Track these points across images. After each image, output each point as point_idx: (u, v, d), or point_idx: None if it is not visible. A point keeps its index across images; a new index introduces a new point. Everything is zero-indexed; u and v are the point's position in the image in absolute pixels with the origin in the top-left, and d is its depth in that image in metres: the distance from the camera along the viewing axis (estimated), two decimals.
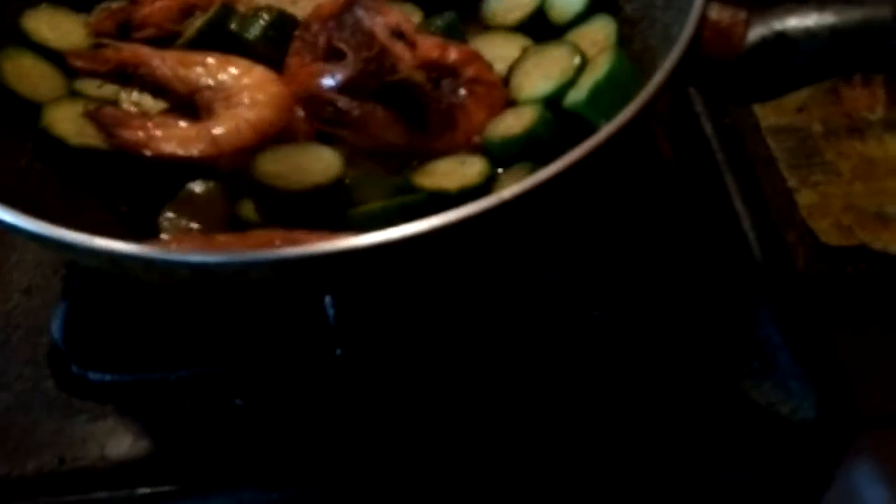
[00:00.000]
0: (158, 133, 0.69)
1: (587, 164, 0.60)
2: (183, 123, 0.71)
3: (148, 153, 0.69)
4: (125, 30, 0.83)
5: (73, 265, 0.84)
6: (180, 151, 0.68)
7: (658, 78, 0.62)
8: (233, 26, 0.80)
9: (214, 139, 0.69)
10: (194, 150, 0.68)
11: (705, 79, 0.67)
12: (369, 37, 0.71)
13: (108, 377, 0.79)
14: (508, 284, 0.82)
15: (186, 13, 0.84)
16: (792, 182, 0.92)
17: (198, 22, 0.81)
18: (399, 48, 0.70)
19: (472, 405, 0.77)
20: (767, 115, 0.96)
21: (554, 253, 0.82)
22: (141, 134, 0.70)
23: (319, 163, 0.69)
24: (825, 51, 0.65)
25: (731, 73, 0.65)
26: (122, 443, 0.76)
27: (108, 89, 0.79)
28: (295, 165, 0.68)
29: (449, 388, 0.78)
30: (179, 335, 0.80)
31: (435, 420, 0.77)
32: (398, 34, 0.71)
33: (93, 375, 0.79)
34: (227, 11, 0.81)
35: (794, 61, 0.65)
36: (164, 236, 0.71)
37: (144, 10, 0.83)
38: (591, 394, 0.77)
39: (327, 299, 0.76)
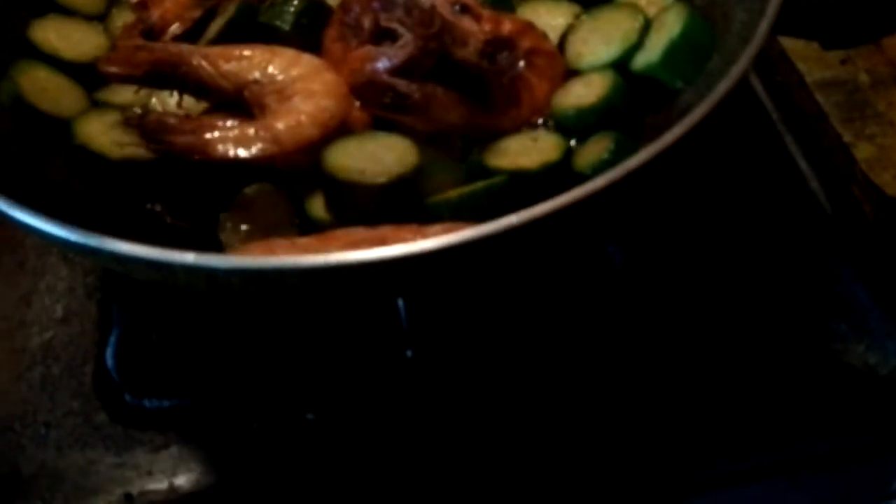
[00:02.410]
0: (213, 136, 0.64)
1: (701, 129, 0.55)
2: (232, 123, 0.66)
3: (204, 158, 0.64)
4: (150, 37, 0.77)
5: (109, 289, 0.79)
6: (240, 153, 0.63)
7: (759, 36, 0.58)
8: (262, 17, 0.75)
9: (275, 136, 0.64)
10: (255, 150, 0.63)
11: (805, 25, 0.62)
12: (428, 13, 0.66)
13: (166, 403, 0.74)
14: (573, 269, 0.78)
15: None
16: (847, 137, 0.88)
17: (220, 19, 0.76)
18: (466, 23, 0.66)
19: (544, 397, 0.73)
20: (811, 69, 0.93)
21: (618, 229, 0.78)
22: (192, 138, 0.64)
23: (393, 152, 0.64)
24: None
25: (831, 14, 0.61)
26: (191, 471, 0.71)
27: (128, 95, 0.73)
28: (369, 157, 0.63)
29: (520, 382, 0.74)
30: (238, 351, 0.75)
31: (509, 416, 0.73)
32: (463, 7, 0.66)
33: (149, 403, 0.74)
34: (248, 7, 0.76)
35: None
36: (230, 246, 0.66)
37: (156, 13, 0.78)
38: (676, 366, 0.73)
39: (400, 301, 0.71)
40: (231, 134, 0.64)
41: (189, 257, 0.49)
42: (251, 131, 0.64)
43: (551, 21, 0.77)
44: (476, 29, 0.66)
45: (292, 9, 0.75)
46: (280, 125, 0.64)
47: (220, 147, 0.64)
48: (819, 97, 0.91)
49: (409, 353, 0.74)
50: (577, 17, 0.76)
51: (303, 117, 0.65)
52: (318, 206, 0.65)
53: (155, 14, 0.78)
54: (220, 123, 0.66)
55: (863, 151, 0.88)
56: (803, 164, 0.83)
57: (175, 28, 0.77)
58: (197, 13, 0.78)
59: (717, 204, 0.81)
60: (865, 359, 0.73)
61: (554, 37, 0.76)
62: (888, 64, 0.94)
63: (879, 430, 0.75)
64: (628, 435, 0.73)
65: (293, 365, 0.74)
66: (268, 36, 0.74)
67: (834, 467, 0.78)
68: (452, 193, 0.63)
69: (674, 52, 0.68)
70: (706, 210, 0.81)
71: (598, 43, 0.73)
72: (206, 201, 0.70)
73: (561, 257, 0.78)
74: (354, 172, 0.62)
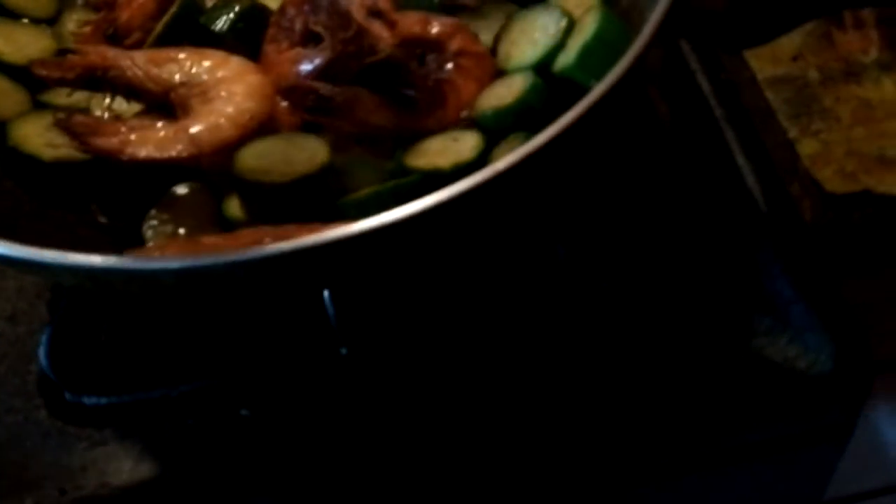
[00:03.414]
0: (133, 137, 0.66)
1: (580, 127, 0.56)
2: (160, 124, 0.68)
3: (124, 159, 0.65)
4: (113, 41, 0.79)
5: (58, 288, 0.81)
6: (157, 154, 0.65)
7: (646, 32, 0.60)
8: (202, 19, 0.76)
9: (193, 138, 0.65)
10: (172, 152, 0.65)
11: (696, 29, 0.63)
12: (345, 17, 0.68)
13: (104, 400, 0.75)
14: (514, 265, 0.79)
15: (164, 10, 0.80)
16: (792, 132, 0.89)
17: (165, 17, 0.78)
18: (377, 27, 0.67)
19: (484, 390, 0.74)
20: (763, 66, 0.93)
21: (558, 227, 0.79)
22: (115, 140, 0.66)
23: (304, 152, 0.65)
24: None
25: (721, 21, 0.62)
26: (123, 467, 0.73)
27: (78, 97, 0.75)
28: (279, 157, 0.64)
29: (458, 376, 0.74)
30: (175, 349, 0.76)
31: (446, 410, 0.74)
32: (375, 12, 0.67)
33: (88, 400, 0.75)
34: (192, 4, 0.77)
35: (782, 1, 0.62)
36: (149, 244, 0.67)
37: (124, 15, 0.79)
38: (606, 365, 0.74)
39: (326, 297, 0.72)
40: (151, 135, 0.66)
41: (71, 257, 0.50)
42: (171, 133, 0.65)
43: (489, 22, 0.78)
44: (387, 34, 0.67)
45: (231, 13, 0.76)
46: (199, 127, 0.66)
47: (140, 149, 0.65)
48: (769, 94, 0.92)
49: (343, 351, 0.75)
50: (509, 17, 0.77)
51: (222, 119, 0.66)
52: (234, 206, 0.67)
53: (124, 16, 0.79)
54: (145, 125, 0.68)
55: (807, 147, 0.88)
56: (741, 160, 0.83)
57: (136, 36, 0.78)
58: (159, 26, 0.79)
59: (656, 199, 0.81)
60: (786, 353, 0.74)
61: (491, 37, 0.77)
62: (839, 60, 0.94)
63: (801, 422, 0.76)
64: (563, 430, 0.74)
65: (229, 361, 0.76)
66: (212, 38, 0.76)
67: (762, 459, 0.79)
68: (361, 193, 0.64)
69: (587, 53, 0.69)
70: (645, 205, 0.81)
71: (526, 44, 0.74)
72: (138, 200, 0.72)
73: (501, 251, 0.78)
74: (260, 172, 0.64)
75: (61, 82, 0.71)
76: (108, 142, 0.65)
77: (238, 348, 0.76)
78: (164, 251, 0.62)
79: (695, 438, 0.76)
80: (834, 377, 0.74)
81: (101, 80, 0.71)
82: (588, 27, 0.69)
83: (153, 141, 0.65)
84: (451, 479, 0.74)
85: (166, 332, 0.77)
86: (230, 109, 0.66)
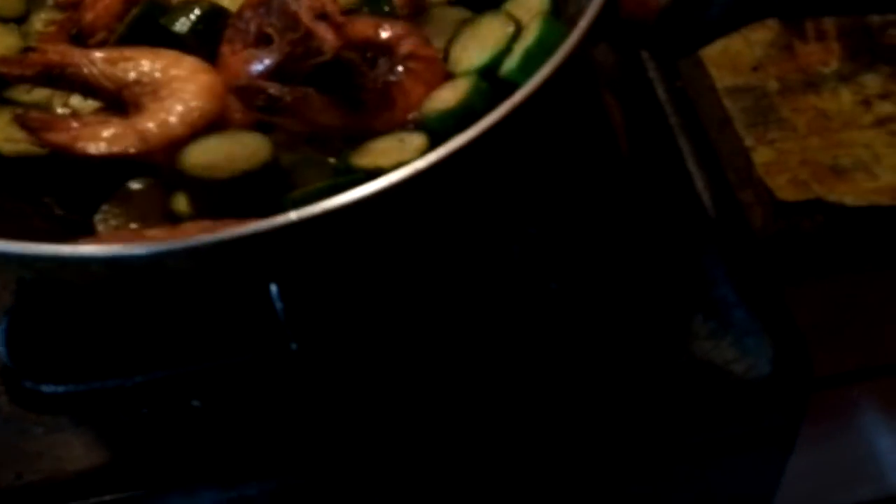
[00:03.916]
0: (85, 132, 0.68)
1: (506, 128, 0.58)
2: (112, 121, 0.70)
3: (76, 153, 0.67)
4: (79, 40, 0.81)
5: (21, 278, 0.83)
6: (106, 149, 0.67)
7: (571, 40, 0.61)
8: (162, 20, 0.79)
9: (142, 134, 0.67)
10: (120, 147, 0.67)
11: (626, 38, 0.65)
12: (294, 19, 0.70)
13: (61, 388, 0.77)
14: (467, 263, 0.80)
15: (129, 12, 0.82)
16: (748, 141, 0.90)
17: (126, 18, 0.80)
18: (322, 29, 0.69)
19: (433, 386, 0.76)
20: (723, 75, 0.95)
21: (513, 226, 0.81)
22: (67, 135, 0.68)
23: (246, 149, 0.67)
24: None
25: (651, 31, 0.64)
26: (77, 453, 0.75)
27: (40, 94, 0.77)
28: (222, 154, 0.66)
29: (407, 373, 0.76)
30: (133, 340, 0.79)
31: (394, 406, 0.75)
32: (322, 15, 0.69)
33: (46, 388, 0.78)
34: (156, 6, 0.79)
35: (709, 13, 0.64)
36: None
37: (89, 16, 0.82)
38: (552, 365, 0.76)
39: (274, 293, 0.74)
40: (102, 131, 0.68)
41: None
42: (120, 129, 0.68)
43: (443, 27, 0.80)
44: (332, 37, 0.69)
45: (191, 15, 0.79)
46: (149, 124, 0.68)
47: (91, 144, 0.67)
48: (727, 102, 0.94)
49: (293, 346, 0.77)
50: (461, 22, 0.79)
51: (172, 116, 0.68)
52: (181, 202, 0.69)
53: (88, 16, 0.82)
54: (98, 121, 0.70)
55: (762, 156, 0.90)
56: (693, 167, 0.84)
57: (100, 36, 0.81)
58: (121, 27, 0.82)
59: (609, 204, 0.83)
60: (726, 356, 0.75)
61: (444, 41, 0.79)
62: (799, 71, 0.96)
63: (743, 425, 0.77)
64: (503, 432, 0.75)
65: (185, 353, 0.78)
66: (173, 39, 0.78)
67: (708, 462, 0.81)
68: (300, 191, 0.66)
69: (529, 58, 0.70)
70: (598, 209, 0.83)
71: (475, 49, 0.76)
72: (93, 194, 0.74)
73: (453, 249, 0.80)
74: (202, 168, 0.66)
75: (21, 79, 0.73)
76: (60, 136, 0.68)
77: (193, 341, 0.78)
78: (106, 242, 0.64)
79: (638, 441, 0.77)
80: (772, 381, 0.76)
81: (60, 78, 0.73)
82: (531, 33, 0.71)
83: (103, 136, 0.67)
84: (397, 470, 0.76)
85: (123, 324, 0.79)
86: (180, 107, 0.69)
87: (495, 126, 0.57)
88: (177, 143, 0.68)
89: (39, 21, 0.85)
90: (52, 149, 0.69)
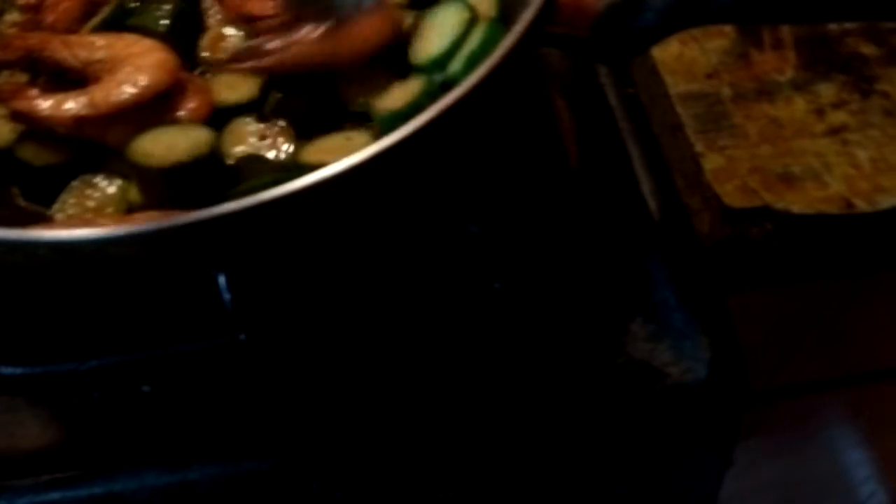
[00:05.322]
0: (43, 98, 0.73)
1: (441, 126, 0.60)
2: (71, 92, 0.75)
3: (34, 117, 0.73)
4: None
5: None
6: (56, 112, 0.72)
7: (507, 42, 0.63)
8: (131, 21, 0.82)
9: (92, 100, 0.72)
10: (73, 111, 0.71)
11: (564, 45, 0.68)
12: None
13: (18, 370, 0.80)
14: (411, 257, 0.82)
15: (90, 14, 0.85)
16: (699, 147, 0.92)
17: (96, 18, 0.83)
18: None
19: (377, 377, 0.78)
20: (677, 82, 0.97)
21: (456, 225, 0.83)
22: (28, 102, 0.74)
23: (188, 140, 0.70)
24: (674, 5, 0.66)
25: (589, 39, 0.66)
26: (31, 433, 0.78)
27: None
28: (165, 144, 0.69)
29: (351, 364, 0.79)
30: (88, 326, 0.81)
31: (338, 397, 0.78)
32: None
33: (4, 370, 0.80)
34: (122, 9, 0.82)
35: (646, 19, 0.66)
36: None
37: (50, 18, 0.85)
38: (491, 362, 0.78)
39: (222, 284, 0.76)
40: (60, 99, 0.74)
41: None
42: (73, 96, 0.73)
43: None
44: None
45: (159, 13, 0.82)
46: (100, 92, 0.72)
47: (42, 108, 0.73)
48: (679, 109, 0.95)
49: (241, 336, 0.79)
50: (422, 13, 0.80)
51: (122, 86, 0.73)
52: (134, 192, 0.72)
53: (49, 19, 0.85)
54: (56, 92, 0.75)
55: (711, 162, 0.92)
56: (640, 171, 0.86)
57: None
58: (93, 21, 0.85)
59: (556, 207, 0.85)
60: (663, 358, 0.77)
61: None
62: (753, 79, 0.98)
63: (679, 428, 0.79)
64: (431, 432, 0.78)
65: (137, 340, 0.80)
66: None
67: (646, 464, 0.83)
68: (243, 185, 0.69)
69: (474, 62, 0.72)
70: (545, 211, 0.85)
71: (434, 38, 0.77)
72: (56, 185, 0.77)
73: (398, 242, 0.82)
74: (142, 155, 0.69)
75: (6, 63, 0.79)
76: (22, 103, 0.74)
77: (146, 328, 0.80)
78: (56, 228, 0.66)
79: (576, 441, 0.79)
80: (708, 385, 0.78)
81: (38, 61, 0.77)
82: (476, 37, 0.74)
83: (54, 102, 0.73)
84: (339, 459, 0.78)
85: (79, 310, 0.81)
86: (130, 77, 0.73)
87: (429, 124, 0.60)
88: (122, 110, 0.72)
89: (3, 24, 0.88)
90: (15, 113, 0.74)
